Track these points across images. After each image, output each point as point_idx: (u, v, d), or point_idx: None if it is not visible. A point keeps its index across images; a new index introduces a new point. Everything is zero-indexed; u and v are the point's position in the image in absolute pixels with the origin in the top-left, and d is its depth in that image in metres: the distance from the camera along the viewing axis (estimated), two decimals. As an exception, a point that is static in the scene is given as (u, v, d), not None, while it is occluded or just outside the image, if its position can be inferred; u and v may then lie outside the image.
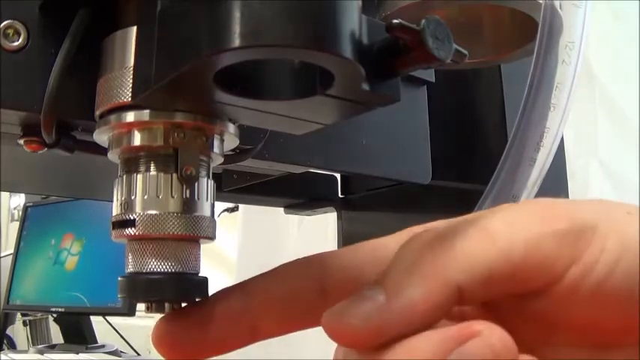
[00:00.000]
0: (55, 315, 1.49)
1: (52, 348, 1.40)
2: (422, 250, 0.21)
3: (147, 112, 0.25)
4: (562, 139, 0.49)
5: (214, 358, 0.25)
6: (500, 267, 0.20)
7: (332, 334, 0.21)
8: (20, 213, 1.74)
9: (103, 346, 1.39)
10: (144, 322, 1.47)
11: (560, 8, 0.31)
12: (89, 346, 1.37)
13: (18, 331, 1.75)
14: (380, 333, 0.20)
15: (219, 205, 1.18)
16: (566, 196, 0.51)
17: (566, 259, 0.20)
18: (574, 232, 0.20)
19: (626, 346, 0.21)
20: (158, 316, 0.25)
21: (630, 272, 0.20)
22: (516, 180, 0.31)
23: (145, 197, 0.25)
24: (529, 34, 0.35)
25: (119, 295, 0.25)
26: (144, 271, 0.24)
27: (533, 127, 0.31)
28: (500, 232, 0.21)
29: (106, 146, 0.27)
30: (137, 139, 0.25)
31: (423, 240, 0.22)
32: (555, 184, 0.50)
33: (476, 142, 0.50)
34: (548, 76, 0.31)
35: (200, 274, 0.26)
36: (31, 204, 1.57)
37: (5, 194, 2.22)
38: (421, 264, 0.21)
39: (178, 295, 0.25)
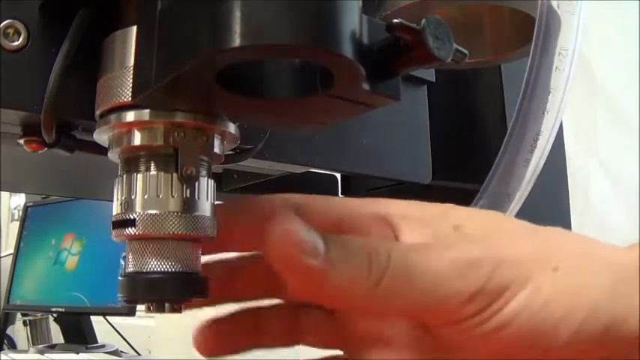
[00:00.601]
0: (55, 315, 1.49)
1: (52, 348, 1.40)
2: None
3: (147, 111, 0.25)
4: (562, 139, 0.49)
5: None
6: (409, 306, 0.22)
7: (267, 240, 0.21)
8: (20, 213, 1.74)
9: (103, 346, 1.39)
10: (144, 322, 1.47)
11: (558, 8, 0.31)
12: (89, 346, 1.37)
13: (18, 331, 1.75)
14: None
15: (219, 205, 1.18)
16: (567, 196, 0.51)
17: (466, 314, 0.22)
18: (484, 292, 0.21)
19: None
20: (158, 316, 0.25)
21: (521, 329, 0.21)
22: (511, 180, 0.31)
23: (145, 197, 0.25)
24: (529, 34, 0.35)
25: (119, 295, 0.25)
26: (144, 270, 0.24)
27: (529, 127, 0.31)
28: (422, 282, 0.22)
29: (107, 146, 0.27)
30: (137, 139, 0.25)
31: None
32: (555, 184, 0.50)
33: (476, 142, 0.50)
34: (543, 78, 0.31)
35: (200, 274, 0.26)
36: (31, 204, 1.57)
37: (5, 194, 2.21)
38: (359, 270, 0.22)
39: (178, 294, 0.25)
